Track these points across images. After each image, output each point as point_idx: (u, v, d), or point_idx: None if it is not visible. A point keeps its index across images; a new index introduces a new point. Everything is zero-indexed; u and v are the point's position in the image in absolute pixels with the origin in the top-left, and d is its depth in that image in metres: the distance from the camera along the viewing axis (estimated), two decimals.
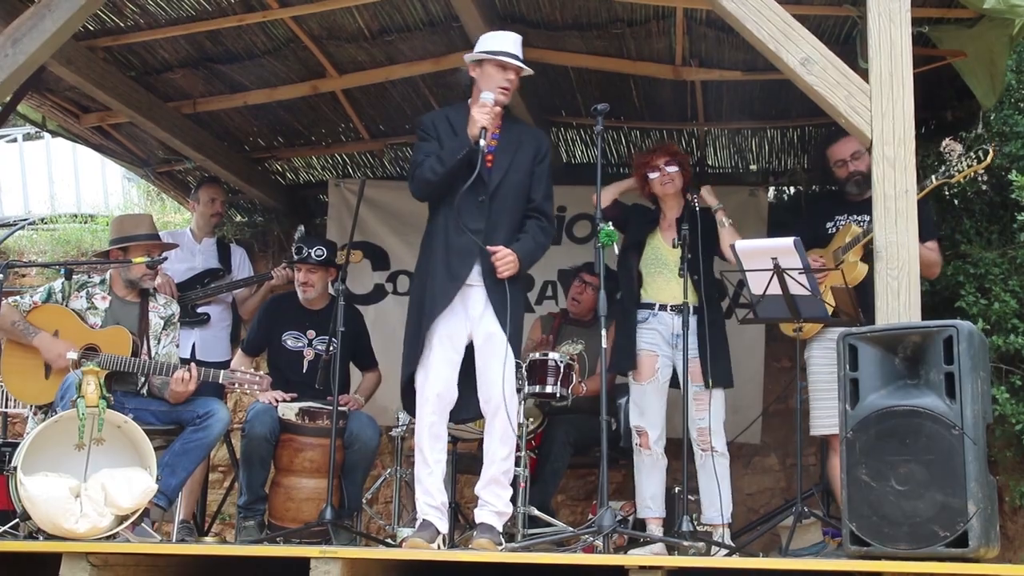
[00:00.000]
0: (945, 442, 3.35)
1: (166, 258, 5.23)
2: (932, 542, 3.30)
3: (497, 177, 4.35)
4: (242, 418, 5.39)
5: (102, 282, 5.04)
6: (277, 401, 5.15)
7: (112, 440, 4.34)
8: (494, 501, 4.27)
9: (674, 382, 4.92)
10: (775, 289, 4.31)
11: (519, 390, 4.38)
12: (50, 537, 4.03)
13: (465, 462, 5.37)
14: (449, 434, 4.52)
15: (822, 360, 4.69)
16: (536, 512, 4.80)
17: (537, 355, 4.95)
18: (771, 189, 7.01)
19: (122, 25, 5.55)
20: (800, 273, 4.25)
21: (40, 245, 8.90)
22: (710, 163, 6.97)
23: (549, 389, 4.86)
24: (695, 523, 4.49)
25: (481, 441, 4.52)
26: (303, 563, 3.61)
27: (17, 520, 4.14)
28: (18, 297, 4.98)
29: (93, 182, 10.75)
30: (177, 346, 5.21)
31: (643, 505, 4.91)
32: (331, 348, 5.14)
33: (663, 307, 4.91)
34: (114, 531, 4.14)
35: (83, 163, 10.60)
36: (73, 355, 4.61)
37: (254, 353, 5.71)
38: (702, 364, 4.80)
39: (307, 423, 5.09)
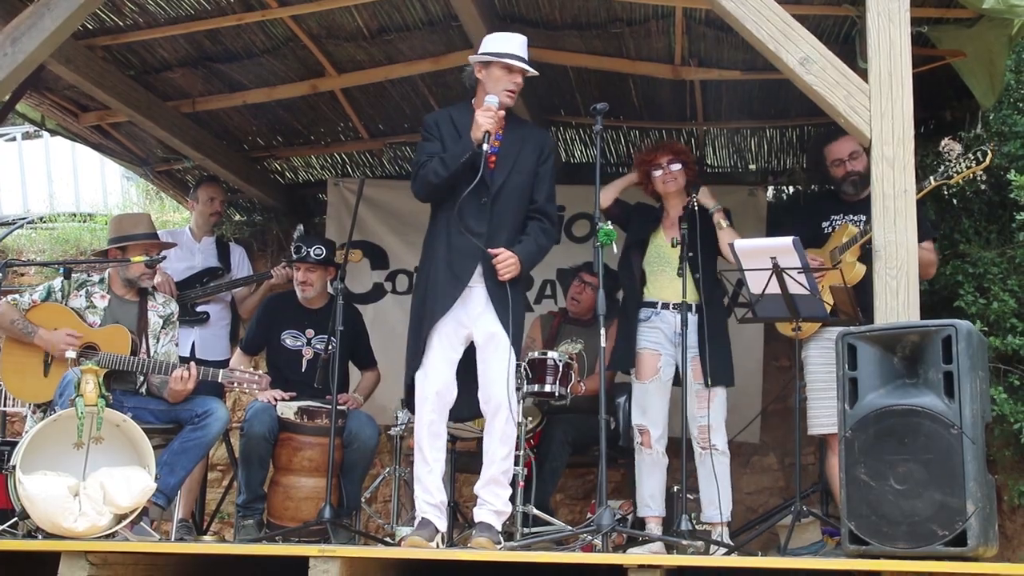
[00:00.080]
0: (944, 441, 3.35)
1: (164, 257, 5.23)
2: (931, 541, 3.30)
3: (500, 178, 4.34)
4: (241, 417, 5.39)
5: (101, 281, 5.04)
6: (276, 400, 5.15)
7: (111, 439, 4.34)
8: (493, 500, 4.27)
9: (677, 380, 4.91)
10: (774, 288, 4.31)
11: (518, 389, 4.38)
12: (49, 536, 4.03)
13: (464, 461, 5.38)
14: (448, 433, 4.52)
15: (819, 360, 4.70)
16: (535, 511, 4.80)
17: (536, 354, 4.95)
18: (770, 189, 7.01)
19: (121, 24, 5.54)
20: (799, 272, 4.25)
21: (39, 244, 8.90)
22: (709, 163, 6.97)
23: (548, 388, 4.87)
24: (694, 522, 4.49)
25: (480, 440, 4.52)
26: (302, 562, 3.61)
27: (16, 519, 4.15)
28: (17, 295, 4.99)
29: (92, 181, 10.74)
30: (176, 345, 5.21)
31: (643, 504, 4.91)
32: (330, 347, 5.14)
33: (665, 305, 4.91)
34: (113, 530, 4.14)
35: (82, 162, 10.59)
36: (72, 354, 4.61)
37: (253, 352, 5.70)
38: (702, 362, 4.80)
39: (306, 422, 5.09)
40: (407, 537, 4.24)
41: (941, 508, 3.31)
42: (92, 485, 4.14)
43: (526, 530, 4.71)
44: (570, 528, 4.84)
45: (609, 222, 4.42)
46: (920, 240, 3.97)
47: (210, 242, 6.26)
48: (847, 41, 4.98)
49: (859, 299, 4.34)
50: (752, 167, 7.06)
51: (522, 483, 4.70)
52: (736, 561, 3.96)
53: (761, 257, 4.30)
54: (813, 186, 6.68)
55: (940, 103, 5.72)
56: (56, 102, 6.26)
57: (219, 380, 4.93)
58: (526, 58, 4.38)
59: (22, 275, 7.74)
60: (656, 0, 5.10)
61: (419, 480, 4.33)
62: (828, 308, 4.42)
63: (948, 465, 3.33)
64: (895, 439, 3.43)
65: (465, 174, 4.25)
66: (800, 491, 4.48)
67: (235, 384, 4.95)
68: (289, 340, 5.50)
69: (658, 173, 4.97)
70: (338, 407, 4.85)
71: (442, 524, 4.33)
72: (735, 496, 4.93)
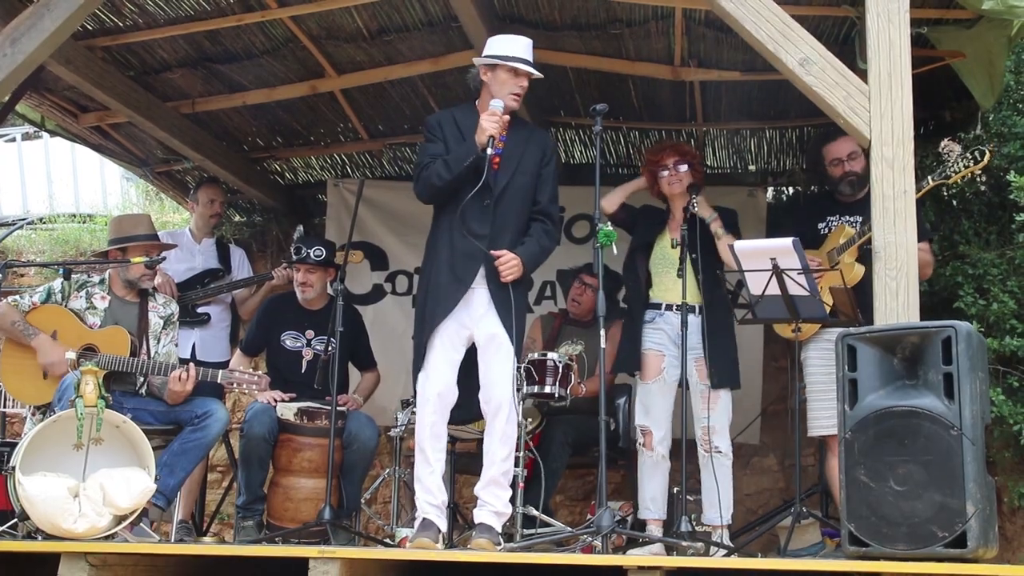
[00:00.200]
0: (944, 443, 3.35)
1: (164, 258, 5.23)
2: (930, 542, 3.30)
3: (503, 180, 4.34)
4: (241, 418, 5.39)
5: (101, 282, 5.04)
6: (276, 401, 5.15)
7: (110, 440, 4.34)
8: (493, 501, 4.27)
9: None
10: (774, 289, 4.31)
11: (518, 390, 4.39)
12: (48, 537, 4.03)
13: (464, 462, 5.37)
14: (448, 434, 4.52)
15: (819, 361, 4.69)
16: (535, 512, 4.80)
17: (536, 355, 4.95)
18: (770, 189, 7.02)
19: (121, 25, 5.54)
20: (799, 273, 4.25)
21: (39, 245, 8.90)
22: (709, 163, 6.97)
23: (548, 389, 4.86)
24: (694, 523, 4.49)
25: (480, 441, 4.52)
26: (302, 563, 3.61)
27: (16, 520, 4.14)
28: (17, 297, 4.98)
29: (92, 182, 10.74)
30: (176, 345, 5.20)
31: (643, 506, 4.91)
32: (330, 348, 5.14)
33: (669, 307, 4.91)
34: (112, 531, 4.13)
35: (82, 163, 10.59)
36: (72, 355, 4.61)
37: (253, 353, 5.70)
38: (707, 364, 4.80)
39: (306, 423, 5.09)
40: (413, 539, 4.24)
41: (941, 509, 3.31)
42: (92, 486, 4.14)
43: (526, 531, 4.71)
44: (570, 529, 4.84)
45: (609, 223, 4.41)
46: (917, 240, 3.97)
47: (210, 243, 6.26)
48: (847, 42, 4.98)
49: (859, 300, 4.34)
50: (752, 168, 7.06)
51: (522, 484, 4.70)
52: (736, 562, 3.96)
53: (761, 258, 4.29)
54: (813, 187, 6.68)
55: (940, 104, 5.72)
56: (56, 103, 6.26)
57: (218, 381, 4.93)
58: (531, 61, 4.38)
59: (22, 276, 7.74)
60: (656, 1, 5.10)
61: (420, 481, 4.33)
62: (828, 309, 4.41)
63: (948, 466, 3.33)
64: (895, 440, 3.43)
65: (468, 177, 4.24)
66: (800, 492, 4.48)
67: (234, 385, 4.94)
68: (289, 341, 5.50)
69: (664, 174, 4.97)
70: (338, 408, 4.85)
71: (443, 524, 4.33)
72: (735, 497, 4.92)
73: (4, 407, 6.51)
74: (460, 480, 5.74)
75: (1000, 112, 5.45)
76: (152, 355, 4.96)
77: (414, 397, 4.52)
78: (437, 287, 4.33)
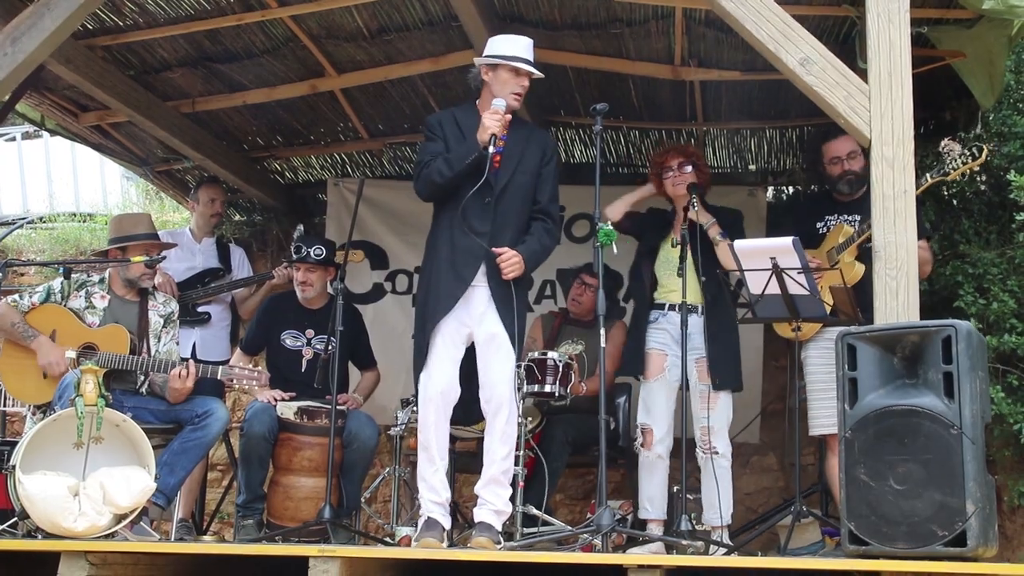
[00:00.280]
0: (944, 441, 3.35)
1: (164, 257, 5.23)
2: (930, 541, 3.30)
3: (504, 178, 4.35)
4: (241, 417, 5.39)
5: (101, 281, 5.04)
6: (276, 400, 5.15)
7: (111, 439, 4.34)
8: (493, 500, 4.28)
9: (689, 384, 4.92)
10: (774, 289, 4.31)
11: (518, 389, 4.39)
12: (48, 536, 4.03)
13: (464, 461, 5.37)
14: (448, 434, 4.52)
15: (819, 360, 4.69)
16: (535, 511, 4.80)
17: (536, 354, 4.95)
18: (770, 189, 7.02)
19: (121, 24, 5.55)
20: (799, 273, 4.25)
21: (39, 244, 8.90)
22: (709, 163, 6.96)
23: (548, 388, 4.86)
24: (693, 522, 4.49)
25: (480, 440, 4.52)
26: (302, 562, 3.61)
27: (16, 519, 4.14)
28: (17, 296, 4.98)
29: (92, 181, 10.74)
30: (177, 344, 5.20)
31: (641, 506, 4.91)
32: (330, 347, 5.14)
33: (672, 307, 4.91)
34: (112, 530, 4.13)
35: (82, 162, 10.59)
36: (72, 353, 4.61)
37: (253, 352, 5.70)
38: (709, 365, 4.80)
39: (306, 422, 5.09)
40: (418, 538, 4.24)
41: (941, 508, 3.31)
42: (92, 485, 4.14)
43: (526, 530, 4.71)
44: (570, 528, 4.84)
45: (609, 223, 4.41)
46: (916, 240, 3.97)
47: (211, 243, 6.26)
48: (847, 42, 4.98)
49: (859, 299, 4.34)
50: (752, 167, 7.06)
51: (522, 483, 4.70)
52: (736, 561, 3.96)
53: (760, 257, 4.29)
54: (813, 186, 6.68)
55: (940, 104, 5.72)
56: (56, 102, 6.26)
57: (218, 377, 4.93)
58: (532, 60, 4.39)
59: (22, 275, 7.73)
60: (656, 0, 5.10)
61: (425, 479, 4.33)
62: (828, 309, 4.41)
63: (948, 465, 3.33)
64: (895, 439, 3.43)
65: (470, 175, 4.25)
66: (800, 491, 4.48)
67: (234, 381, 4.94)
68: (289, 340, 5.50)
69: (668, 175, 4.98)
70: (338, 407, 4.84)
71: (447, 523, 4.34)
72: (735, 496, 4.92)
73: (4, 406, 6.51)
74: (460, 479, 5.75)
75: (1000, 112, 5.45)
76: (152, 354, 4.96)
77: (414, 396, 4.53)
78: (438, 285, 4.33)
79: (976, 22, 4.57)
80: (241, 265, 6.34)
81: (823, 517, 4.99)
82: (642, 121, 6.59)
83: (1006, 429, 5.04)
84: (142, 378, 4.93)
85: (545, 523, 4.84)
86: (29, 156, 11.02)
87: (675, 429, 4.85)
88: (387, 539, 5.07)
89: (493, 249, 4.28)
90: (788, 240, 4.26)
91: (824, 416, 4.63)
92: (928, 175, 4.42)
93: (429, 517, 4.26)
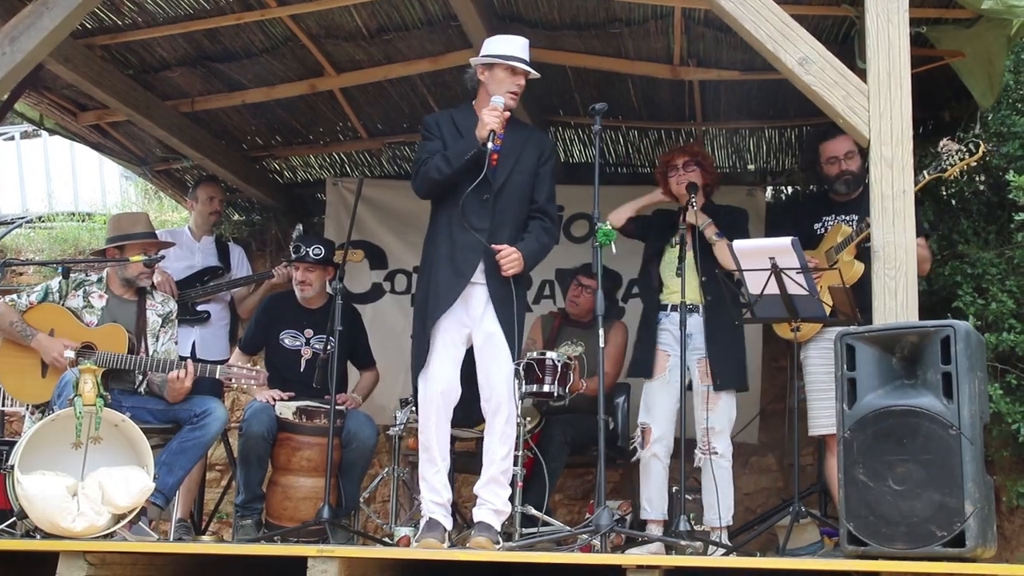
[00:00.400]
0: (942, 442, 3.35)
1: (163, 256, 5.23)
2: (929, 542, 3.30)
3: (502, 176, 4.36)
4: (240, 417, 5.39)
5: (99, 280, 5.04)
6: (274, 400, 5.15)
7: (109, 439, 4.33)
8: (493, 500, 4.28)
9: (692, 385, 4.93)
10: (773, 289, 4.31)
11: (517, 389, 4.39)
12: (47, 536, 4.03)
13: (463, 461, 5.37)
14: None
15: (819, 360, 4.69)
16: (533, 511, 4.80)
17: (535, 354, 4.95)
18: (769, 189, 7.01)
19: (120, 23, 5.54)
20: (798, 273, 4.25)
21: (37, 243, 8.89)
22: None
23: (546, 388, 4.86)
24: (692, 523, 4.49)
25: (479, 440, 4.52)
26: (300, 562, 3.60)
27: (14, 519, 4.14)
28: (15, 296, 4.98)
29: (91, 180, 10.73)
30: (176, 343, 5.20)
31: (641, 506, 4.91)
32: (329, 347, 5.14)
33: (675, 307, 4.91)
34: (111, 530, 4.13)
35: (81, 161, 10.58)
36: (71, 353, 4.60)
37: (252, 352, 5.70)
38: (711, 365, 4.80)
39: (304, 422, 5.09)
40: (419, 538, 4.24)
41: (939, 509, 3.31)
42: (90, 485, 4.14)
43: (525, 530, 4.71)
44: (569, 528, 4.84)
45: (608, 222, 4.42)
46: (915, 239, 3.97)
47: (210, 241, 6.26)
48: (846, 41, 4.98)
49: (858, 299, 4.34)
50: (751, 167, 7.06)
51: (521, 484, 4.70)
52: (735, 561, 3.96)
53: (760, 258, 4.29)
54: (812, 186, 6.68)
55: (939, 104, 5.72)
56: (55, 101, 6.25)
57: (216, 376, 4.92)
58: (528, 60, 4.39)
59: (20, 274, 7.74)
60: (655, 0, 5.10)
61: (426, 480, 4.33)
62: (827, 309, 4.41)
63: (946, 466, 3.33)
64: (894, 440, 3.43)
65: (468, 171, 4.26)
66: (799, 492, 4.48)
67: (233, 380, 4.94)
68: (288, 340, 5.50)
69: (673, 174, 4.98)
70: (337, 407, 4.84)
71: (449, 524, 4.34)
72: (734, 496, 4.92)
73: (3, 406, 6.51)
74: (459, 479, 5.74)
75: (999, 112, 5.44)
76: (151, 353, 4.96)
77: (413, 396, 4.52)
78: (438, 282, 4.34)
79: (975, 22, 4.57)
80: (240, 264, 6.34)
81: (822, 517, 4.99)
82: (641, 121, 6.59)
83: (1005, 429, 5.04)
84: (140, 378, 4.93)
85: (544, 523, 4.84)
86: (28, 155, 11.01)
87: (677, 429, 4.85)
88: (386, 539, 5.07)
89: (492, 246, 4.28)
90: (787, 240, 4.26)
91: (823, 416, 4.63)
92: (925, 172, 4.41)
93: (430, 518, 4.26)
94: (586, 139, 6.90)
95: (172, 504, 4.92)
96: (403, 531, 4.78)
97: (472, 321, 4.33)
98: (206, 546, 4.68)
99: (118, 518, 4.17)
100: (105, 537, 4.09)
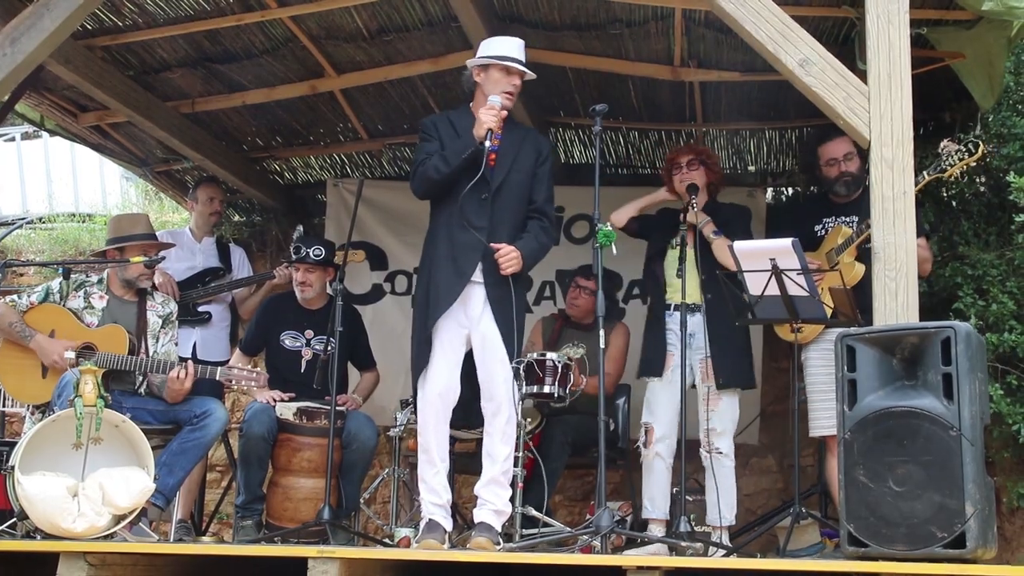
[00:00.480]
0: (943, 443, 3.35)
1: (163, 258, 5.23)
2: (930, 543, 3.30)
3: (500, 176, 4.36)
4: (240, 418, 5.39)
5: (99, 281, 5.04)
6: (275, 401, 5.15)
7: (110, 439, 4.34)
8: (493, 500, 4.28)
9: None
10: (773, 290, 4.31)
11: (518, 389, 4.39)
12: (47, 536, 4.03)
13: (463, 462, 5.37)
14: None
15: (820, 362, 4.69)
16: (534, 512, 4.80)
17: (535, 355, 4.95)
18: (769, 190, 7.01)
19: (120, 24, 5.54)
20: (798, 274, 4.25)
21: (38, 244, 8.89)
22: None
23: (547, 389, 4.86)
24: (692, 523, 4.49)
25: (479, 441, 4.52)
26: (301, 563, 3.61)
27: (15, 519, 4.14)
28: (15, 297, 4.98)
29: (91, 181, 10.74)
30: (176, 344, 5.20)
31: (644, 505, 4.91)
32: (329, 348, 5.14)
33: (678, 307, 4.92)
34: (111, 530, 4.13)
35: (81, 162, 10.59)
36: (71, 354, 4.60)
37: (252, 352, 5.70)
38: (713, 364, 4.81)
39: (305, 423, 5.09)
40: (419, 539, 4.24)
41: (940, 510, 3.31)
42: (91, 486, 4.14)
43: (525, 531, 4.71)
44: (569, 529, 4.84)
45: (608, 223, 4.42)
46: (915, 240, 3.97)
47: (210, 242, 6.26)
48: (846, 43, 4.98)
49: (858, 300, 4.34)
50: (751, 168, 7.06)
51: (521, 484, 4.70)
52: (735, 563, 3.96)
53: (760, 259, 4.29)
54: (812, 188, 6.68)
55: (939, 105, 5.72)
56: (55, 102, 6.26)
57: (217, 378, 4.93)
58: (523, 60, 4.40)
59: (21, 275, 7.73)
60: (655, 1, 5.10)
61: (425, 482, 4.33)
62: (828, 311, 4.41)
63: (947, 467, 3.33)
64: (894, 441, 3.43)
65: (466, 170, 4.27)
66: (799, 493, 4.48)
67: (233, 382, 4.94)
68: (288, 341, 5.50)
69: (678, 173, 4.99)
70: (337, 408, 4.84)
71: (449, 525, 4.34)
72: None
73: (3, 406, 6.51)
74: (460, 480, 5.75)
75: (1000, 113, 5.44)
76: (151, 354, 4.96)
77: (413, 397, 4.53)
78: (438, 281, 4.34)
79: (976, 23, 4.57)
80: (241, 265, 6.34)
81: (822, 519, 4.99)
82: (641, 122, 6.59)
83: (1005, 431, 5.04)
84: (141, 378, 4.93)
85: (544, 524, 4.84)
86: (28, 156, 11.01)
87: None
88: (386, 540, 5.07)
89: (491, 245, 4.28)
90: (788, 241, 4.26)
91: (824, 418, 4.63)
92: (925, 172, 4.41)
93: (431, 519, 4.26)
94: (586, 140, 6.90)
95: (172, 505, 4.92)
96: (403, 532, 4.78)
97: (471, 322, 4.33)
98: (206, 547, 4.69)
99: (118, 519, 4.17)
100: (105, 538, 4.09)
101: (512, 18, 5.49)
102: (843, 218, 4.87)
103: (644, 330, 5.14)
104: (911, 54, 4.00)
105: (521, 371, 4.38)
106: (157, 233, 5.37)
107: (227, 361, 5.62)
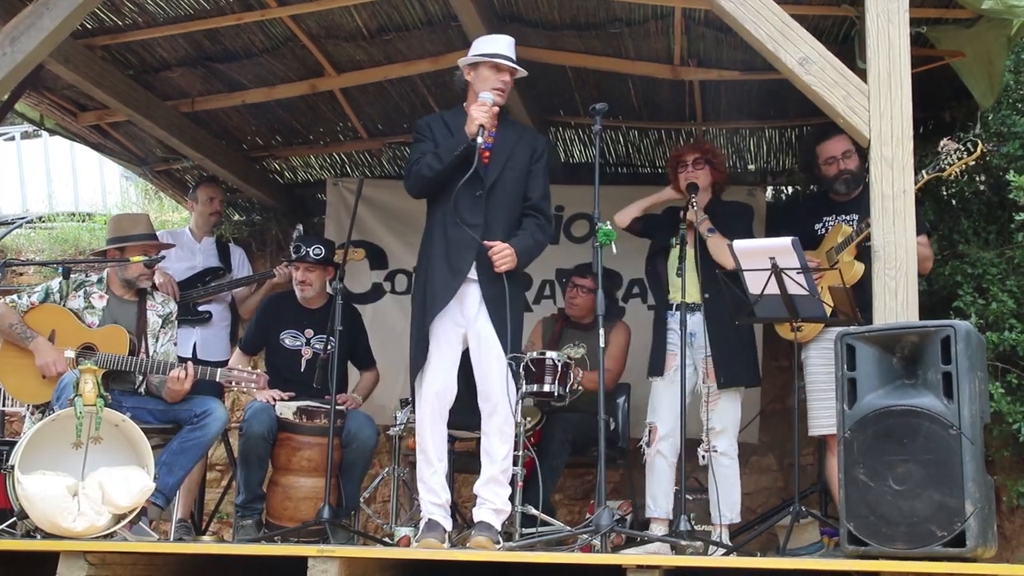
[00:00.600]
0: (943, 442, 3.35)
1: (163, 257, 5.23)
2: (929, 542, 3.30)
3: (494, 173, 4.37)
4: (240, 417, 5.39)
5: (99, 281, 5.04)
6: (275, 400, 5.15)
7: (110, 439, 4.34)
8: (493, 499, 4.28)
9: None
10: (773, 289, 4.31)
11: (517, 389, 4.39)
12: (48, 536, 4.03)
13: (463, 461, 5.37)
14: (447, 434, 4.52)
15: (820, 360, 4.69)
16: (534, 511, 4.80)
17: (535, 354, 4.95)
18: (769, 189, 7.01)
19: (120, 24, 5.54)
20: (798, 273, 4.25)
21: (38, 243, 8.89)
22: None
23: (547, 388, 4.86)
24: (692, 522, 4.49)
25: (479, 440, 4.52)
26: (301, 562, 3.61)
27: (15, 519, 4.14)
28: (15, 297, 4.98)
29: (91, 180, 10.74)
30: (175, 344, 5.20)
31: (647, 503, 4.92)
32: (329, 347, 5.14)
33: (679, 306, 4.92)
34: (111, 530, 4.13)
35: (81, 161, 10.59)
36: (71, 353, 4.60)
37: (252, 352, 5.70)
38: (714, 363, 4.81)
39: (305, 422, 5.09)
40: (419, 539, 4.25)
41: (940, 509, 3.31)
42: (91, 485, 4.14)
43: (525, 530, 4.71)
44: (569, 528, 4.84)
45: (608, 222, 4.42)
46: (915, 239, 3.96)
47: (210, 242, 6.27)
48: (846, 41, 4.98)
49: (858, 299, 4.34)
50: (751, 167, 7.06)
51: (521, 483, 4.70)
52: (735, 561, 3.96)
53: (760, 257, 4.29)
54: (812, 186, 6.67)
55: (939, 104, 5.72)
56: (55, 101, 6.26)
57: (217, 379, 4.93)
58: (513, 57, 4.41)
59: (21, 275, 7.74)
60: (655, 0, 5.10)
61: (423, 481, 4.33)
62: (828, 310, 4.41)
63: (947, 466, 3.33)
64: (894, 440, 3.43)
65: (459, 167, 4.28)
66: (799, 491, 4.48)
67: (233, 383, 4.94)
68: (288, 340, 5.50)
69: (683, 171, 5.00)
70: (337, 407, 4.84)
71: (448, 523, 4.34)
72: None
73: (3, 406, 6.52)
74: (459, 479, 5.74)
75: (999, 112, 5.44)
76: (151, 354, 4.96)
77: (413, 396, 4.53)
78: (434, 281, 4.34)
79: (975, 22, 4.57)
80: (241, 264, 6.35)
81: (822, 517, 4.99)
82: (641, 121, 6.59)
83: (1005, 429, 5.04)
84: (140, 378, 4.93)
85: (544, 523, 4.84)
86: (28, 156, 11.02)
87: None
88: (386, 539, 5.07)
89: (485, 242, 4.28)
90: (787, 240, 4.25)
91: (824, 416, 4.63)
92: (925, 171, 4.41)
93: (430, 519, 4.27)
94: (586, 139, 6.89)
95: (172, 504, 4.92)
96: (403, 531, 4.79)
97: (467, 321, 4.34)
98: (206, 546, 4.68)
99: (118, 518, 4.17)
100: (105, 537, 4.09)
101: (512, 17, 5.49)
102: (843, 216, 4.86)
103: (652, 330, 5.15)
104: (911, 53, 4.00)
105: (520, 370, 4.37)
106: (157, 233, 5.37)
107: (227, 361, 5.63)
